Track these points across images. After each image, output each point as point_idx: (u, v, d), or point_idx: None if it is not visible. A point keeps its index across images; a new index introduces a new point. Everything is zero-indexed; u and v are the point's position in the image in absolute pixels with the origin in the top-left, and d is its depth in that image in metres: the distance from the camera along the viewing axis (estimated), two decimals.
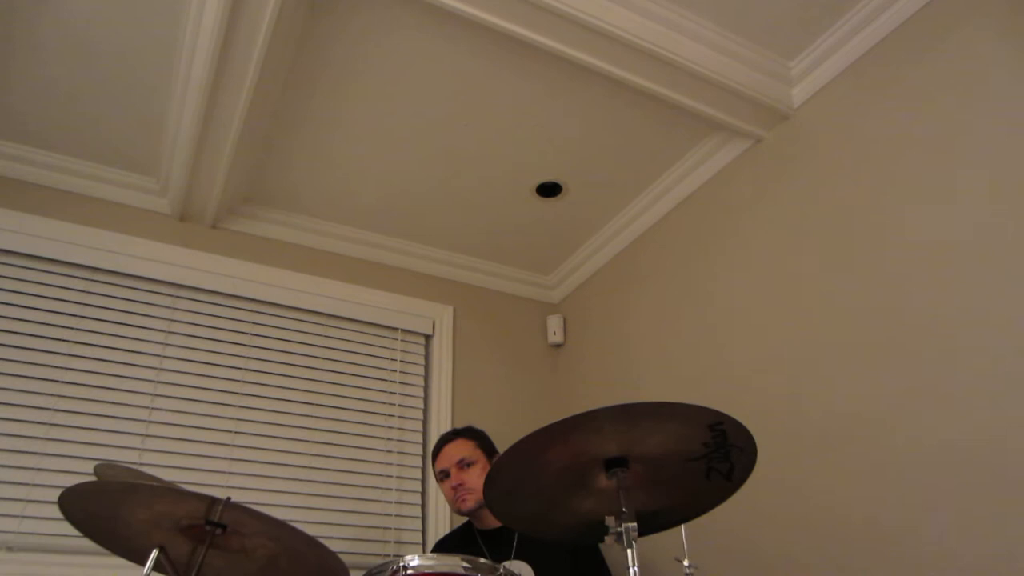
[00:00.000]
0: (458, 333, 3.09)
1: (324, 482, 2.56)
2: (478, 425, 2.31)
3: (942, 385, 1.69)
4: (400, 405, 2.84)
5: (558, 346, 3.30)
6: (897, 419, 1.77)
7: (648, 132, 2.51)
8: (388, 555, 2.53)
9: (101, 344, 2.41)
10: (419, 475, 2.74)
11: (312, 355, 2.75)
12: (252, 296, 2.71)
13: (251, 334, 2.67)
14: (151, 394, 2.41)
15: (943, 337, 1.72)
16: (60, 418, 2.26)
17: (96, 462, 1.68)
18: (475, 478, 2.11)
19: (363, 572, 1.40)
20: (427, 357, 3.00)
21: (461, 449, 2.17)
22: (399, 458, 2.74)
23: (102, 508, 1.34)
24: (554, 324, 3.30)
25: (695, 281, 2.57)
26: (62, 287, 2.44)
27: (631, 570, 1.20)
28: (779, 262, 2.24)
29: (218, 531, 1.34)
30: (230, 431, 2.48)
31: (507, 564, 1.92)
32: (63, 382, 2.31)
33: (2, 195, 2.45)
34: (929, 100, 1.90)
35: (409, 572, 1.32)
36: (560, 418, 1.19)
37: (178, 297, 2.61)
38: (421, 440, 2.81)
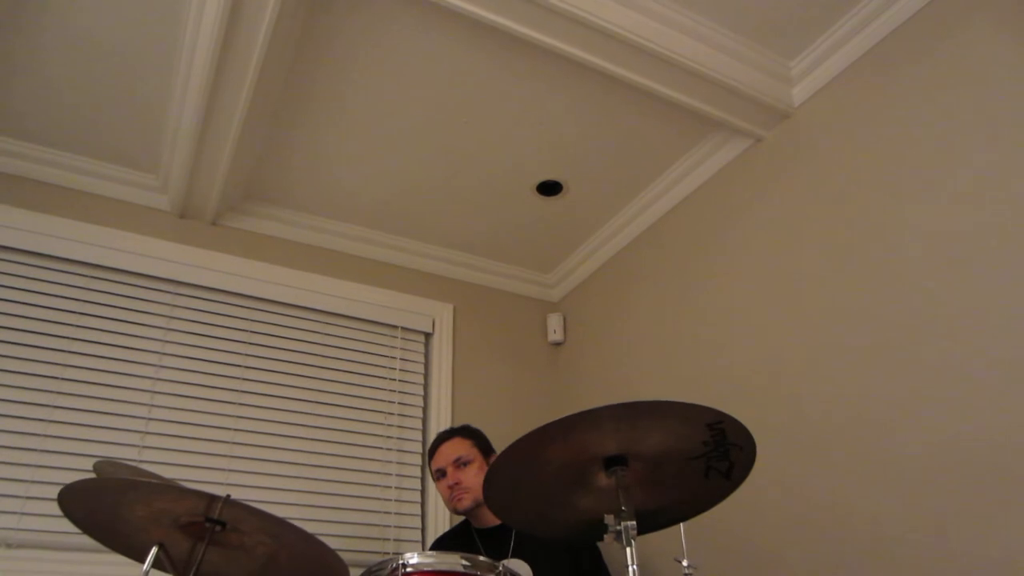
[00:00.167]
0: (458, 331, 3.09)
1: (324, 480, 2.56)
2: (477, 423, 2.31)
3: (942, 385, 1.69)
4: (400, 403, 2.84)
5: (558, 344, 3.30)
6: (897, 419, 1.77)
7: (649, 131, 2.51)
8: (387, 553, 2.53)
9: (101, 341, 2.41)
10: (418, 473, 2.74)
11: (312, 352, 2.75)
12: (252, 293, 2.71)
13: (251, 331, 2.67)
14: (151, 391, 2.41)
15: (943, 337, 1.72)
16: (59, 415, 2.26)
17: (95, 459, 1.69)
18: (471, 477, 2.11)
19: (362, 570, 1.41)
20: (427, 355, 3.00)
21: (457, 448, 2.17)
22: (398, 456, 2.74)
23: (101, 505, 1.34)
24: (554, 322, 3.30)
25: (695, 280, 2.57)
26: (62, 283, 2.43)
27: (630, 568, 1.20)
28: (779, 261, 2.24)
29: (217, 528, 1.34)
30: (230, 428, 2.48)
31: (505, 563, 1.91)
32: (62, 379, 2.31)
33: (2, 191, 2.45)
34: (929, 100, 1.90)
35: (408, 570, 1.33)
36: (560, 416, 1.19)
37: (178, 294, 2.61)
38: (421, 438, 2.81)
